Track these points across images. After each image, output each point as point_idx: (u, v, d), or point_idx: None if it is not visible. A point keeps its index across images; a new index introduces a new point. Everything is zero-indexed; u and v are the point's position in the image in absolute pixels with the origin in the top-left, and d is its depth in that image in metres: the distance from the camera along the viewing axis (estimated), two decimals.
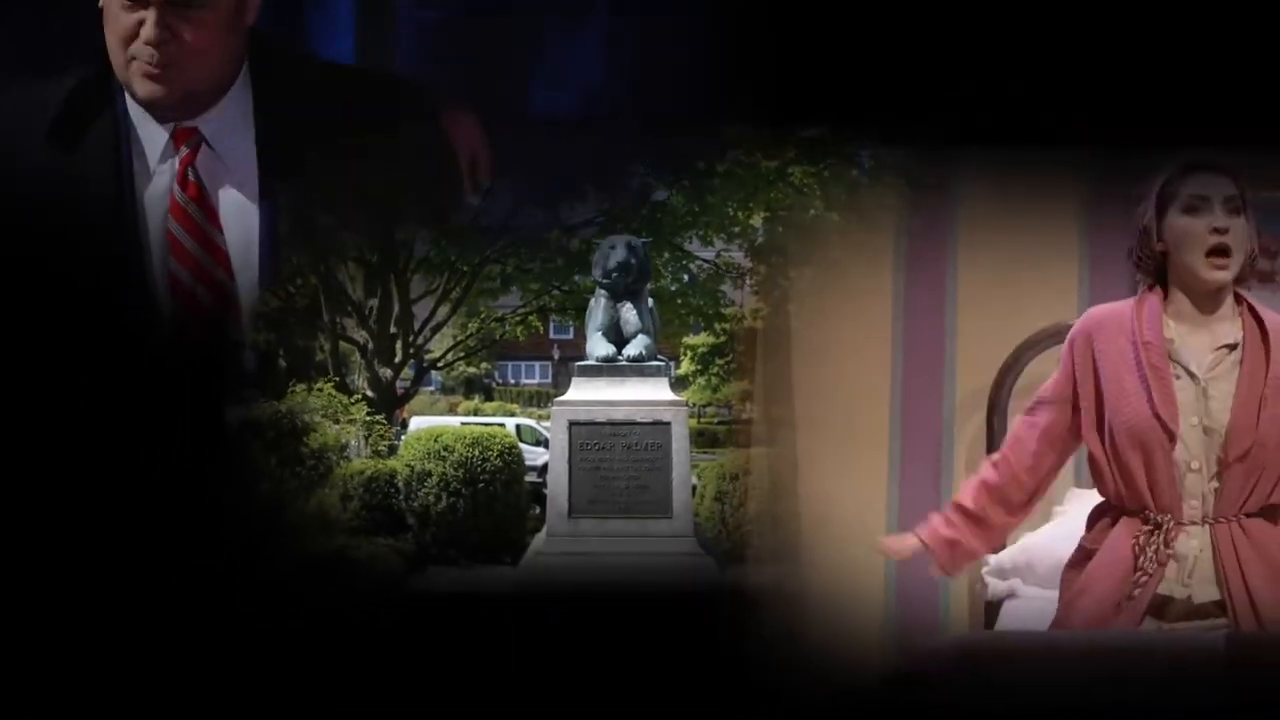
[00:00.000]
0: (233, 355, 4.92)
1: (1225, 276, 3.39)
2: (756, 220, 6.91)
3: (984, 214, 4.71)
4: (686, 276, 7.87)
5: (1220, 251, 3.36)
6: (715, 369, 8.33)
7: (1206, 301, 3.41)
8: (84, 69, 4.42)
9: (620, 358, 7.11)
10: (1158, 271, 3.47)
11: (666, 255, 7.64)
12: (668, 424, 6.96)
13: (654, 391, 7.06)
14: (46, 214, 4.51)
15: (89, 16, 4.31)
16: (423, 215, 4.77)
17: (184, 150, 4.52)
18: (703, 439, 7.93)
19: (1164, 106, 4.50)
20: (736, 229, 7.16)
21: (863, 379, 4.73)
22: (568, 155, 4.88)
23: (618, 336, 7.14)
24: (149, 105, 4.42)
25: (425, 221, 5.05)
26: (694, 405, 8.04)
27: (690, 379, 8.51)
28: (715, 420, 8.45)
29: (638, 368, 7.07)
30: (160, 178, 4.54)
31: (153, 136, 4.53)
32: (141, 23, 4.28)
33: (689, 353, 8.58)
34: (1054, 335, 4.43)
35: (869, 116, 4.78)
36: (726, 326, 7.90)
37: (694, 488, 7.30)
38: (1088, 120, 4.50)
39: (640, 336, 7.11)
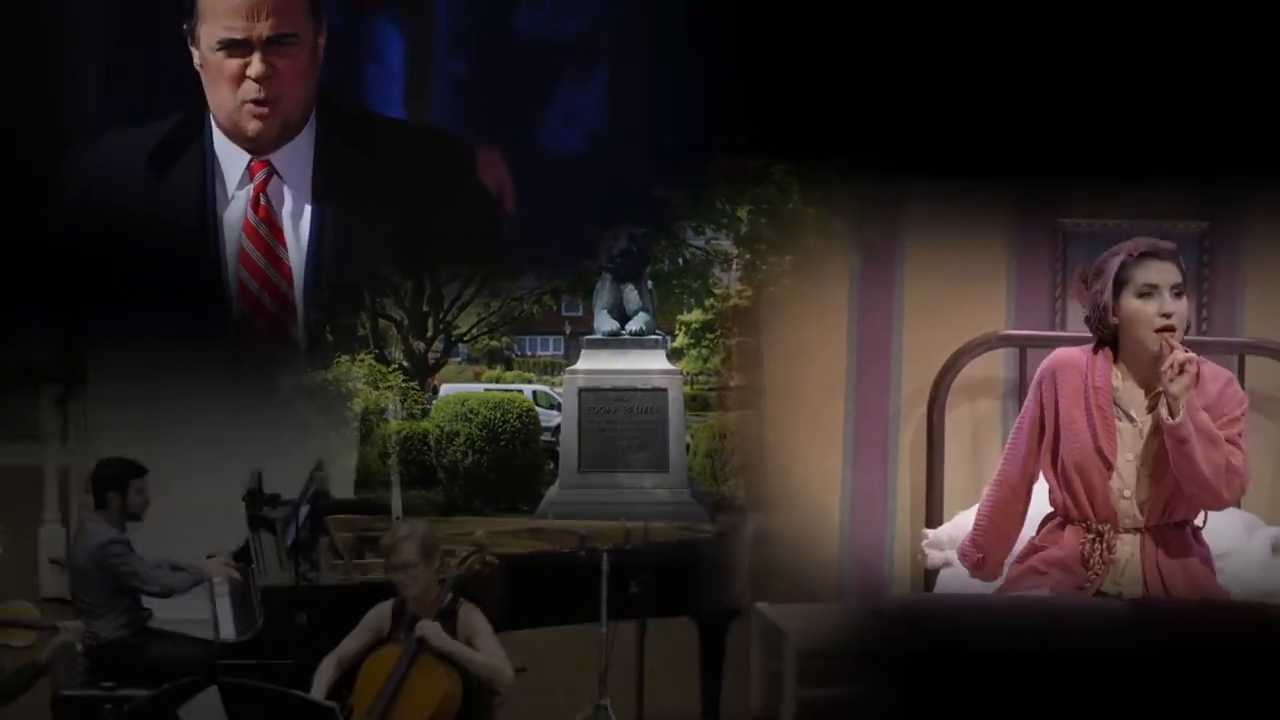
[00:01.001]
0: (287, 340, 5.36)
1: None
2: (742, 213, 6.95)
3: (927, 238, 4.97)
4: (681, 261, 7.91)
5: (1166, 330, 3.58)
6: (706, 342, 8.38)
7: (1150, 364, 3.63)
8: (181, 113, 4.89)
9: (623, 333, 7.33)
10: (1111, 336, 3.69)
11: (664, 243, 7.71)
12: (664, 390, 7.22)
13: (652, 362, 7.32)
14: (143, 229, 4.96)
15: (180, 78, 4.77)
16: (460, 242, 5.18)
17: (259, 178, 4.96)
18: (695, 403, 8.05)
19: (1083, 145, 4.74)
20: (725, 220, 7.16)
21: (822, 373, 4.99)
22: (577, 184, 5.24)
23: (621, 314, 7.36)
24: (257, 139, 4.85)
25: (464, 250, 5.42)
26: (687, 374, 8.14)
27: (684, 351, 8.55)
28: (706, 387, 8.29)
29: (638, 341, 7.32)
30: (237, 202, 4.95)
31: (232, 167, 4.94)
32: (247, 64, 4.74)
33: (683, 328, 8.59)
34: (984, 344, 4.74)
35: (836, 151, 5.09)
36: (715, 305, 7.97)
37: (688, 446, 7.46)
38: (1015, 157, 4.76)
39: (641, 314, 7.35)
